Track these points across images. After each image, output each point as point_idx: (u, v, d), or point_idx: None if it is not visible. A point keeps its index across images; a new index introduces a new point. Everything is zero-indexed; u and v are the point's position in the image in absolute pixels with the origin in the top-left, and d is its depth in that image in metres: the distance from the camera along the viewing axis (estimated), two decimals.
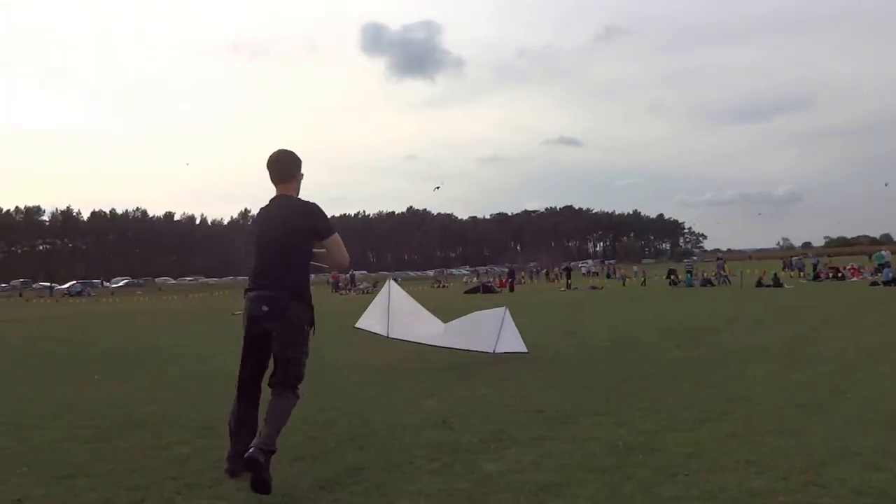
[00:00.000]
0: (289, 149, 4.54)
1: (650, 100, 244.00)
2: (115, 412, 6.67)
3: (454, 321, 10.22)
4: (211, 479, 4.41)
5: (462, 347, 9.52)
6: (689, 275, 39.01)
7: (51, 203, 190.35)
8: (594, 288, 40.09)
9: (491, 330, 9.64)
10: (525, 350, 9.52)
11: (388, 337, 9.63)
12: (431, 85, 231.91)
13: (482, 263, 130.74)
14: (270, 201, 4.50)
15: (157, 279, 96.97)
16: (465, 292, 40.82)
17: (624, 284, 44.73)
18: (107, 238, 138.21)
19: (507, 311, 9.82)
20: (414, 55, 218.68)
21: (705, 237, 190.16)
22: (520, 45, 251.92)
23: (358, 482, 4.32)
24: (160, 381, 8.70)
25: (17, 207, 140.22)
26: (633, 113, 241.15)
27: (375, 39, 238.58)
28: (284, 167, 4.49)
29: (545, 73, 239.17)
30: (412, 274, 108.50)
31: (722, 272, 38.80)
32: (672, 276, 39.31)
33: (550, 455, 4.76)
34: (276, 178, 4.49)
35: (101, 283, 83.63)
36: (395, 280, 11.84)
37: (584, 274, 69.59)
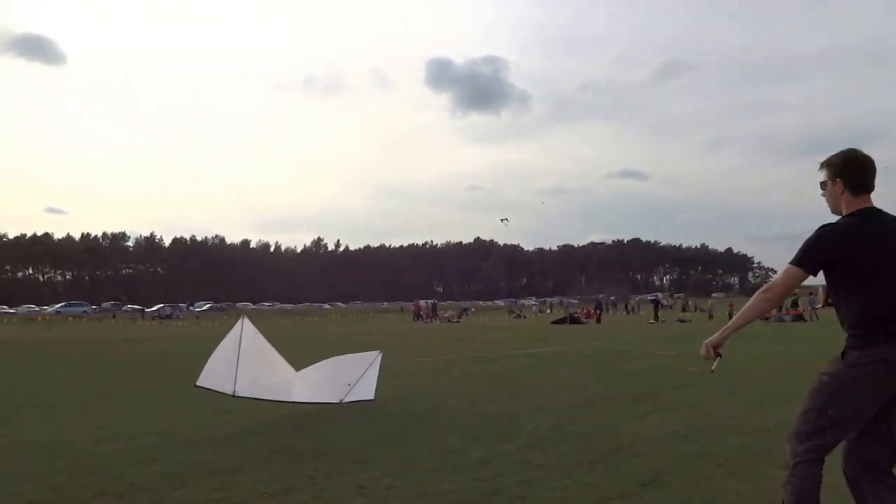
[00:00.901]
0: None
1: (715, 133, 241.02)
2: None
3: (309, 368, 9.28)
4: (535, 477, 5.20)
5: (308, 401, 8.55)
6: (779, 311, 38.67)
7: (135, 228, 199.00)
8: (682, 321, 40.04)
9: (352, 375, 8.92)
10: (372, 398, 8.82)
11: (233, 395, 7.83)
12: (496, 119, 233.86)
13: (548, 295, 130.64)
14: (872, 216, 3.37)
15: (237, 304, 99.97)
16: (553, 323, 41.24)
17: (710, 318, 44.52)
18: (186, 263, 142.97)
19: (380, 357, 9.27)
20: (479, 89, 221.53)
21: (775, 271, 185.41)
22: (582, 78, 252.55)
23: (660, 488, 4.97)
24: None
25: (104, 233, 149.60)
26: (697, 146, 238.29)
27: (441, 74, 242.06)
28: (874, 173, 3.44)
29: (608, 106, 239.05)
30: (481, 303, 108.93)
31: (815, 307, 38.34)
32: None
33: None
34: (869, 183, 3.41)
35: (187, 307, 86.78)
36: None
37: (649, 302, 68.95)
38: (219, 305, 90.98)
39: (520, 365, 14.17)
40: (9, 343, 27.67)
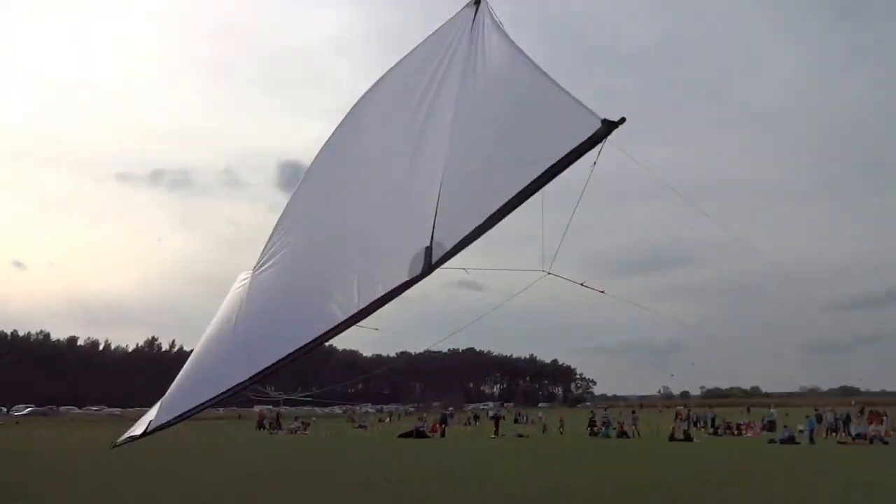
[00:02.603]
0: None
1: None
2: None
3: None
4: None
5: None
6: (605, 427, 42.24)
7: None
8: (520, 436, 42.73)
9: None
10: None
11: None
12: None
13: (384, 402, 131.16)
14: None
15: (61, 408, 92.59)
16: (399, 436, 42.41)
17: (543, 432, 47.70)
18: (5, 360, 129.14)
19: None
20: None
21: (595, 383, 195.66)
22: None
23: None
24: None
25: None
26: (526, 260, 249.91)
27: (293, 177, 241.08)
28: None
29: None
30: (318, 410, 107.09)
31: (635, 424, 42.47)
32: (592, 427, 42.68)
33: None
34: None
35: (7, 411, 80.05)
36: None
37: (490, 417, 71.10)
38: (41, 409, 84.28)
39: None
40: None
